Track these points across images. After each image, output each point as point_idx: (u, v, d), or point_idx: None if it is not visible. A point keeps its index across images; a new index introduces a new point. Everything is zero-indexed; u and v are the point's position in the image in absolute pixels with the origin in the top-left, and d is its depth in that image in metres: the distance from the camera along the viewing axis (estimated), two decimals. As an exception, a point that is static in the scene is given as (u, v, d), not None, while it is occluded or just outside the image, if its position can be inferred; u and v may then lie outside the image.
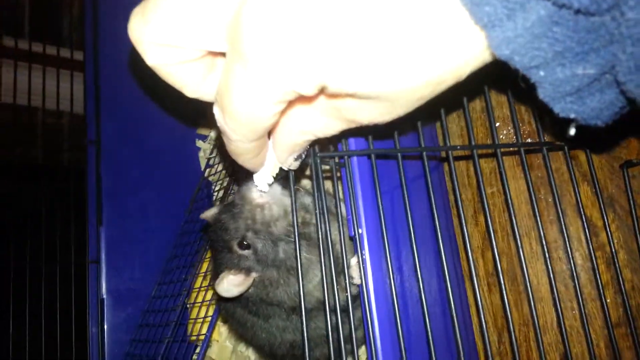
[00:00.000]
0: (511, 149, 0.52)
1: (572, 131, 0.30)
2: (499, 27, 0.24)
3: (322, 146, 0.46)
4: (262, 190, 0.53)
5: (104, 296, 0.89)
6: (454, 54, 0.27)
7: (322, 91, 0.30)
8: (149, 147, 1.01)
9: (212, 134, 1.08)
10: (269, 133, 0.39)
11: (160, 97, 1.04)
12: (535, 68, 0.26)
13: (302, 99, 0.32)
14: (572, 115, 0.28)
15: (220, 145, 1.06)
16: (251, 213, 0.61)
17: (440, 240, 0.46)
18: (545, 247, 0.47)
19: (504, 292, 0.43)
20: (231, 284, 0.61)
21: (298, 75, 0.28)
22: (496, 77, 0.62)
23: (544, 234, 0.48)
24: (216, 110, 0.34)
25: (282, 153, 0.40)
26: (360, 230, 0.46)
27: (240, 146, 0.36)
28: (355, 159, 0.46)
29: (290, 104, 0.33)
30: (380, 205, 0.46)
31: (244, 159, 0.39)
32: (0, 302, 0.96)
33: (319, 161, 0.45)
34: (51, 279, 0.97)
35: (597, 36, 0.24)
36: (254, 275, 0.62)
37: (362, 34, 0.26)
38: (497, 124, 0.64)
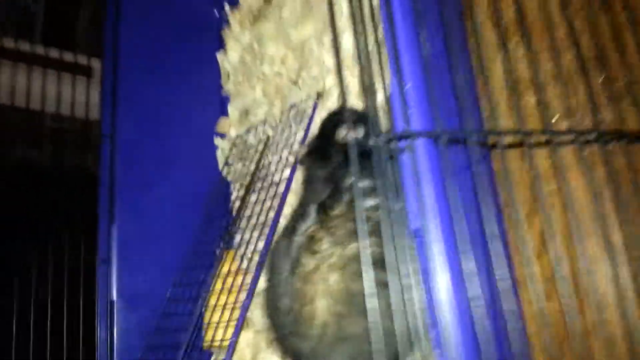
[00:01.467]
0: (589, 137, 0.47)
1: None
2: None
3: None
4: None
5: (114, 298, 0.83)
6: None
7: None
8: (166, 144, 0.97)
9: (232, 133, 1.04)
10: None
11: (179, 93, 1.00)
12: None
13: None
14: None
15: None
16: None
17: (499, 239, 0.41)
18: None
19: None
20: None
21: None
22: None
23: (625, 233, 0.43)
24: None
25: None
26: (425, 223, 0.41)
27: None
28: (422, 141, 0.41)
29: None
30: (450, 195, 0.41)
31: None
32: (4, 301, 0.90)
33: (381, 144, 0.40)
34: (59, 279, 0.91)
35: None
36: None
37: None
38: (557, 116, 0.59)
